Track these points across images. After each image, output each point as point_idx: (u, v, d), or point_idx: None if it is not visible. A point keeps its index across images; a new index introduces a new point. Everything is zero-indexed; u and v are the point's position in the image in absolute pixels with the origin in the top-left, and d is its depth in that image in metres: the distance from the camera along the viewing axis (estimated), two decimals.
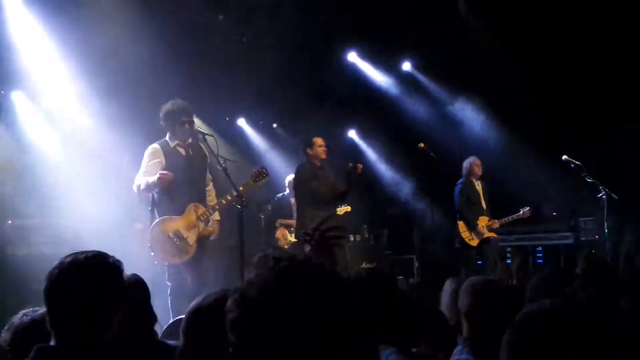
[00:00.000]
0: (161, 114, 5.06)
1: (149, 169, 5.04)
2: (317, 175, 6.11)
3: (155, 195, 5.08)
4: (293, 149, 11.18)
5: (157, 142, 5.12)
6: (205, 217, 5.04)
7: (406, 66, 9.97)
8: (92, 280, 1.80)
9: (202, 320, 1.79)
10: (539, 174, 8.36)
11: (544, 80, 8.22)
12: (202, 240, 5.10)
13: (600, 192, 6.75)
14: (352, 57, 9.71)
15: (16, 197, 6.93)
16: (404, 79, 10.00)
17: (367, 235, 9.96)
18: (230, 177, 4.96)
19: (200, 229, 4.99)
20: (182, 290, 5.01)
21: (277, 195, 8.24)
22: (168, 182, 4.87)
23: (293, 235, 7.88)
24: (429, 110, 9.90)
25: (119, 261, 1.90)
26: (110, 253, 1.93)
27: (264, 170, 5.29)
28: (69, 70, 7.65)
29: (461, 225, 7.26)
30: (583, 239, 8.41)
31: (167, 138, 5.11)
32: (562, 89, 8.18)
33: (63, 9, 7.04)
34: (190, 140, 5.14)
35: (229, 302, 1.14)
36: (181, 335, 1.82)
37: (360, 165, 6.09)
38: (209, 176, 5.36)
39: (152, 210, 5.10)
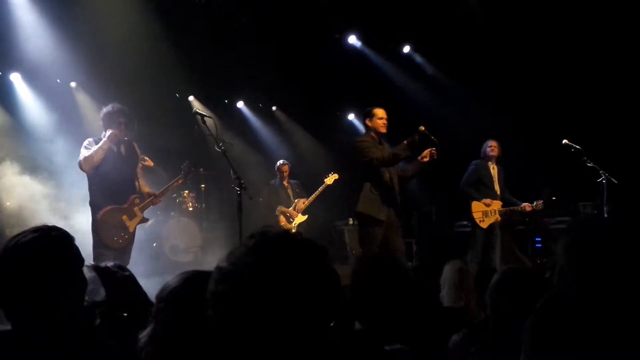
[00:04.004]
0: (100, 115, 5.29)
1: (88, 149, 5.19)
2: (378, 147, 5.68)
3: (89, 189, 5.25)
4: (292, 132, 11.19)
5: (92, 138, 5.28)
6: (144, 208, 5.39)
7: (406, 49, 9.91)
8: (37, 259, 1.65)
9: (174, 302, 1.60)
10: (539, 157, 8.34)
11: (546, 65, 8.15)
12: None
13: (600, 176, 6.73)
14: (352, 40, 9.64)
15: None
16: (404, 62, 9.93)
17: None
18: (229, 158, 4.98)
19: (139, 219, 5.38)
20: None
21: (271, 181, 8.23)
22: (116, 136, 5.15)
23: (293, 222, 7.91)
24: (429, 93, 9.84)
25: (64, 233, 1.75)
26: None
27: (192, 165, 5.69)
28: (68, 51, 7.61)
29: (475, 205, 7.03)
30: None
31: (102, 136, 5.26)
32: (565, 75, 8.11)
33: None
34: (125, 139, 5.35)
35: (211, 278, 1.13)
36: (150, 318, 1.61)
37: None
38: (140, 171, 5.62)
39: (90, 203, 5.24)
